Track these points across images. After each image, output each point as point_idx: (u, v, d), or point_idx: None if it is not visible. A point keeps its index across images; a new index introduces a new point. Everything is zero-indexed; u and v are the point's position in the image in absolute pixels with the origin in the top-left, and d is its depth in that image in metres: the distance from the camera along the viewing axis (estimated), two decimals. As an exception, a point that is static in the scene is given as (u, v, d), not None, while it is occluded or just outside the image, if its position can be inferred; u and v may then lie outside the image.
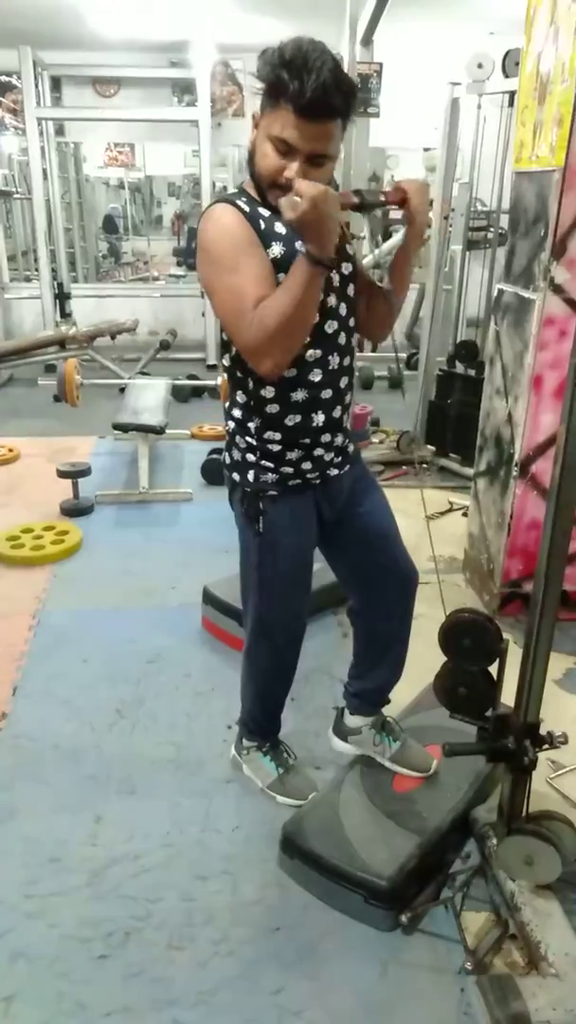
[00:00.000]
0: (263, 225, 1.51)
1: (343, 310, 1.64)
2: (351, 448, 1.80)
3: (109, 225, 9.44)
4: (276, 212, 1.51)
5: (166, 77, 7.45)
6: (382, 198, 1.56)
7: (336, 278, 1.61)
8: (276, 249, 1.50)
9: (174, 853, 1.89)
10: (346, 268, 1.65)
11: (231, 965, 1.61)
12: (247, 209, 1.51)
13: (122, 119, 7.43)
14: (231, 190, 1.62)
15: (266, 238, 1.50)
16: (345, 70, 1.45)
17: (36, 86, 6.42)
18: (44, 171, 6.69)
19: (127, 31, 6.44)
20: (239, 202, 1.51)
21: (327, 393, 1.65)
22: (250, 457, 1.70)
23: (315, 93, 1.36)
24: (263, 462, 1.68)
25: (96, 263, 9.07)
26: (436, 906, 1.71)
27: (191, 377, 5.93)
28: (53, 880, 1.81)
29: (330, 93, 1.37)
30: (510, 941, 1.59)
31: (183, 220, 9.41)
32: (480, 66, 3.84)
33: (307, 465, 1.69)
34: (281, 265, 1.50)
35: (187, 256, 8.90)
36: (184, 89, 7.41)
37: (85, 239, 8.65)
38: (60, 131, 7.68)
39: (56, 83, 7.51)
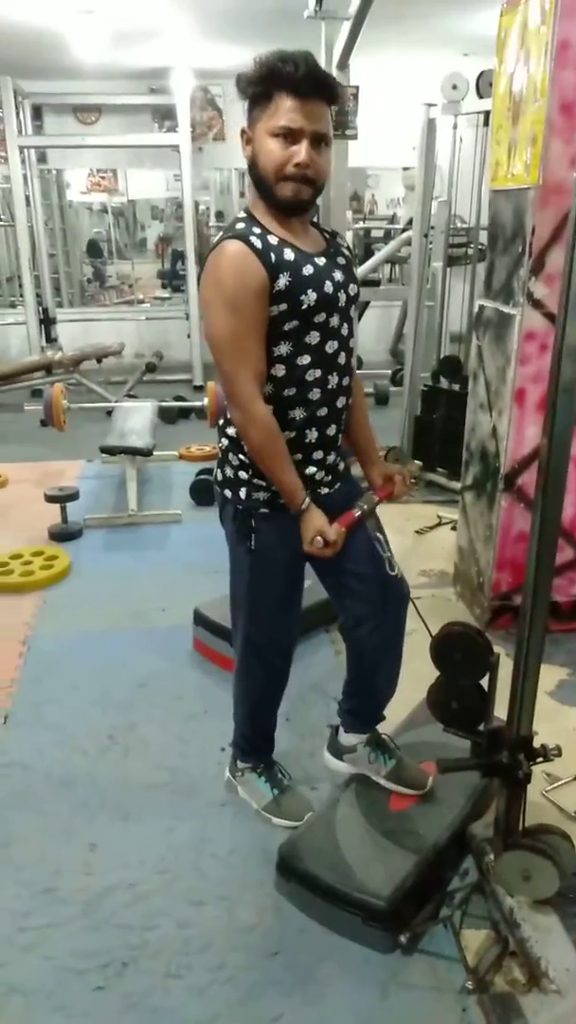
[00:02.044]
0: (273, 258, 1.53)
1: (344, 330, 1.67)
2: (342, 467, 1.81)
3: (93, 249, 9.50)
4: (286, 210, 1.57)
5: (146, 104, 7.54)
6: (376, 499, 1.79)
7: (342, 298, 1.64)
8: (282, 281, 1.54)
9: (169, 879, 1.86)
10: (352, 289, 1.68)
11: (229, 992, 1.59)
12: (259, 245, 1.53)
13: (103, 146, 7.50)
14: (239, 214, 1.64)
15: (275, 270, 1.53)
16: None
17: (17, 115, 6.49)
18: (27, 198, 6.73)
19: (107, 60, 6.50)
20: (252, 238, 1.53)
21: (323, 411, 1.68)
22: (243, 475, 1.71)
23: (309, 71, 1.48)
24: (255, 480, 1.69)
25: (81, 287, 9.11)
26: (435, 925, 1.70)
27: (178, 398, 5.95)
28: (47, 911, 1.78)
29: (321, 72, 1.52)
30: (510, 958, 1.58)
31: (167, 243, 9.47)
32: (455, 87, 3.91)
33: None
34: (283, 296, 1.54)
35: (172, 278, 8.95)
36: (164, 115, 7.48)
37: (69, 264, 8.69)
38: (42, 159, 7.73)
39: (37, 111, 7.56)
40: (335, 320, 1.63)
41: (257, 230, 1.56)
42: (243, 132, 1.58)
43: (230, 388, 1.60)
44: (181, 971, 1.63)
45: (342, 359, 1.68)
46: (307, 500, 1.64)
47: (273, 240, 1.55)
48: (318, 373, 1.64)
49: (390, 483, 1.83)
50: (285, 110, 1.49)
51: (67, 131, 7.64)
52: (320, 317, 1.59)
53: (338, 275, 1.64)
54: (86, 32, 5.59)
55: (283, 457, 1.62)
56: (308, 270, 1.57)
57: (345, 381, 1.71)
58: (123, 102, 7.51)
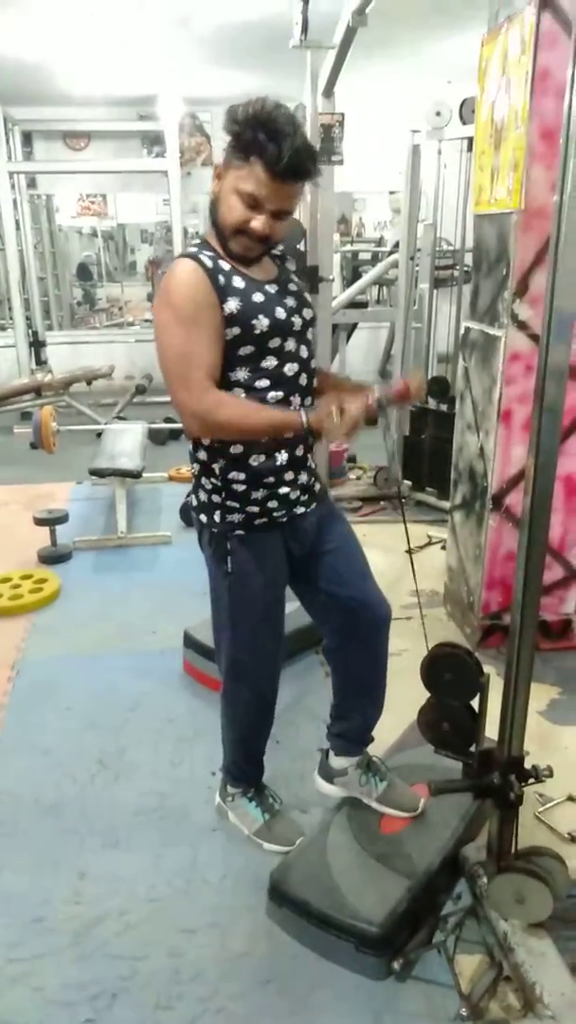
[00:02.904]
0: (222, 280, 1.56)
1: (303, 352, 1.69)
2: (317, 486, 1.81)
3: (83, 273, 9.55)
4: (236, 259, 1.59)
5: (135, 130, 7.63)
6: (393, 392, 1.68)
7: (297, 322, 1.66)
8: (232, 304, 1.55)
9: (160, 907, 1.84)
10: (307, 313, 1.71)
11: (221, 1022, 1.57)
12: (210, 265, 1.55)
13: (93, 171, 7.57)
14: (194, 240, 1.69)
15: (223, 292, 1.55)
16: (308, 121, 1.54)
17: (7, 141, 6.56)
18: (17, 222, 6.78)
19: (96, 87, 6.59)
20: (203, 256, 1.56)
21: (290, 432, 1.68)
22: (215, 498, 1.71)
23: (292, 158, 1.45)
24: (228, 502, 1.70)
25: (71, 310, 9.14)
26: (428, 950, 1.68)
27: (167, 420, 5.94)
28: (36, 941, 1.76)
29: (303, 158, 1.48)
30: (505, 983, 1.56)
31: (157, 266, 9.53)
32: (438, 114, 3.97)
33: (272, 504, 1.70)
34: (235, 320, 1.56)
35: (161, 301, 9.00)
36: (153, 141, 7.58)
37: (59, 287, 8.73)
38: (32, 184, 7.80)
39: (27, 138, 7.64)
40: (291, 344, 1.65)
41: (210, 253, 1.58)
42: (216, 167, 1.59)
43: (182, 398, 1.56)
44: (172, 1002, 1.61)
45: (303, 380, 1.69)
46: (301, 410, 1.60)
47: (225, 266, 1.58)
48: (280, 394, 1.64)
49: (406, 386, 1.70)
50: (256, 181, 1.49)
51: (57, 157, 7.72)
52: (275, 342, 1.61)
53: (290, 301, 1.66)
54: (76, 61, 5.67)
55: (253, 409, 1.59)
56: (258, 297, 1.59)
57: (308, 401, 1.72)
58: (112, 128, 7.61)
